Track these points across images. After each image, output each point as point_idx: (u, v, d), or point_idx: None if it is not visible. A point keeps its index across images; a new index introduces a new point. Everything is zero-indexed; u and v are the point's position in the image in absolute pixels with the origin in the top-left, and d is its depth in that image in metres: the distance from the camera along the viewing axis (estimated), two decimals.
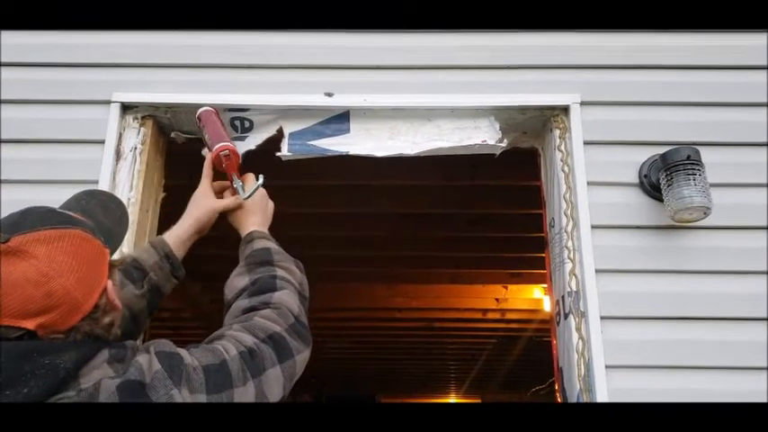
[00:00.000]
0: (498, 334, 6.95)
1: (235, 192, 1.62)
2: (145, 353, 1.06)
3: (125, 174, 1.96)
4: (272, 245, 1.50)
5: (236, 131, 2.10)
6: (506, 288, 5.61)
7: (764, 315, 1.83)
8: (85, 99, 2.05)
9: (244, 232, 1.58)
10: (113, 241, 1.19)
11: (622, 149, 1.98)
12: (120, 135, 2.01)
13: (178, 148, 2.19)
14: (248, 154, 2.03)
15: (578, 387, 1.79)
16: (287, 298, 1.34)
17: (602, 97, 2.03)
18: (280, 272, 1.40)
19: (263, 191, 1.65)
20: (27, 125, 2.02)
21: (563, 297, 1.92)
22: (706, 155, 1.83)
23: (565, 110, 2.03)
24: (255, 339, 1.19)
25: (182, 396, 1.02)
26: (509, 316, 6.20)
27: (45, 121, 2.03)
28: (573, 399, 1.81)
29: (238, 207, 1.61)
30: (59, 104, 2.05)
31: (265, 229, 1.60)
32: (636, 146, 1.98)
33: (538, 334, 6.33)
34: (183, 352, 1.10)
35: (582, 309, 1.84)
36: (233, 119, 2.06)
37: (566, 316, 1.89)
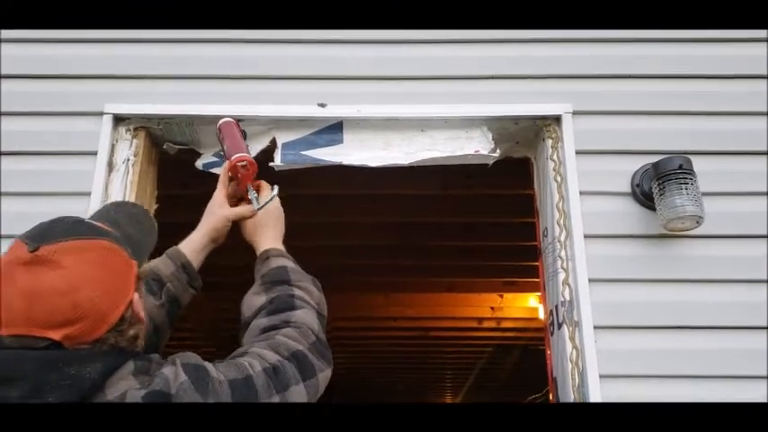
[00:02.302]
0: (494, 342, 6.94)
1: (249, 202, 1.61)
2: (170, 365, 1.07)
3: (118, 185, 1.95)
4: (288, 263, 1.48)
5: None
6: (501, 297, 5.61)
7: (759, 323, 1.83)
8: (78, 111, 2.04)
9: (259, 248, 1.55)
10: (141, 253, 1.18)
11: (614, 159, 1.99)
12: (113, 147, 2.00)
13: (170, 158, 2.19)
14: None
15: (573, 397, 1.79)
16: (307, 317, 1.33)
17: (593, 107, 2.04)
18: (297, 291, 1.39)
19: (277, 202, 1.63)
20: (19, 137, 2.02)
21: (557, 307, 1.92)
22: (698, 164, 1.84)
23: (557, 119, 2.04)
24: (279, 357, 1.19)
25: None
26: (504, 324, 6.20)
27: (37, 133, 2.02)
28: None
29: (252, 217, 1.59)
30: (52, 116, 2.05)
31: (280, 243, 1.57)
32: (628, 155, 1.98)
33: (533, 342, 6.32)
34: (208, 365, 1.10)
35: (575, 318, 1.84)
36: None
37: (559, 326, 1.89)
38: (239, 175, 1.62)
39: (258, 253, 1.54)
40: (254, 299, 1.40)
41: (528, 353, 6.81)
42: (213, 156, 2.11)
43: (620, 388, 1.76)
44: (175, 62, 2.10)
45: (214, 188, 1.65)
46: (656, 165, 1.86)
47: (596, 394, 1.74)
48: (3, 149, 2.00)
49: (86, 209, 1.89)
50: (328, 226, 3.92)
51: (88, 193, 1.92)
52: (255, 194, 1.61)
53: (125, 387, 1.00)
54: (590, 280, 1.85)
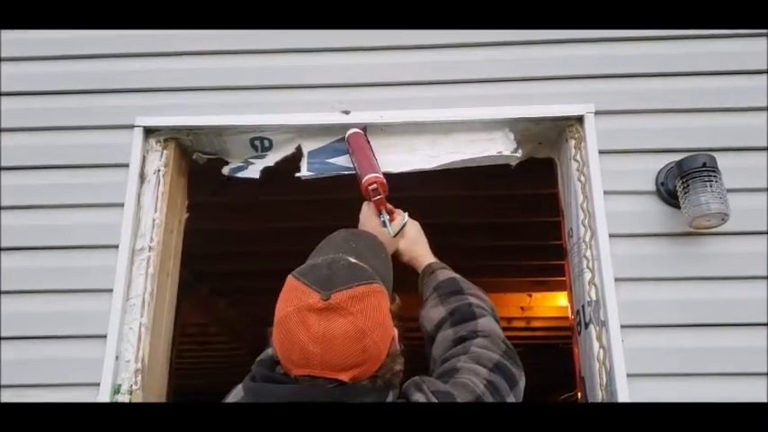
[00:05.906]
0: (524, 342, 6.91)
1: (383, 225, 1.71)
2: (417, 391, 1.15)
3: (149, 196, 2.01)
4: (454, 274, 1.58)
5: (256, 150, 2.14)
6: (531, 296, 5.60)
7: None
8: (109, 124, 2.10)
9: (420, 264, 1.67)
10: (389, 286, 1.26)
11: (638, 158, 1.98)
12: (144, 158, 2.06)
13: (198, 167, 2.24)
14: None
15: (601, 396, 1.79)
16: (490, 324, 1.39)
17: (616, 106, 2.04)
18: (473, 299, 1.46)
19: (411, 221, 1.75)
20: (53, 151, 2.09)
21: (583, 306, 1.92)
22: (723, 160, 1.82)
23: (579, 119, 2.04)
24: (486, 370, 1.25)
25: None
26: (534, 324, 6.18)
27: (71, 147, 2.09)
28: None
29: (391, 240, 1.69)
30: (84, 130, 2.11)
31: (433, 256, 1.69)
32: (651, 154, 1.98)
33: (564, 341, 6.28)
34: (448, 389, 1.17)
35: (602, 318, 1.84)
36: (252, 139, 2.10)
37: (586, 325, 1.89)
38: (372, 199, 1.73)
39: (421, 269, 1.66)
40: (432, 312, 1.47)
41: (559, 351, 6.76)
42: (240, 162, 2.15)
43: (648, 387, 1.77)
44: (202, 74, 2.15)
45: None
46: (679, 163, 1.85)
47: (624, 393, 1.75)
48: (37, 163, 2.07)
49: (119, 220, 1.96)
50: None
51: (121, 204, 1.98)
52: (388, 218, 1.72)
53: None
54: (616, 279, 1.86)
